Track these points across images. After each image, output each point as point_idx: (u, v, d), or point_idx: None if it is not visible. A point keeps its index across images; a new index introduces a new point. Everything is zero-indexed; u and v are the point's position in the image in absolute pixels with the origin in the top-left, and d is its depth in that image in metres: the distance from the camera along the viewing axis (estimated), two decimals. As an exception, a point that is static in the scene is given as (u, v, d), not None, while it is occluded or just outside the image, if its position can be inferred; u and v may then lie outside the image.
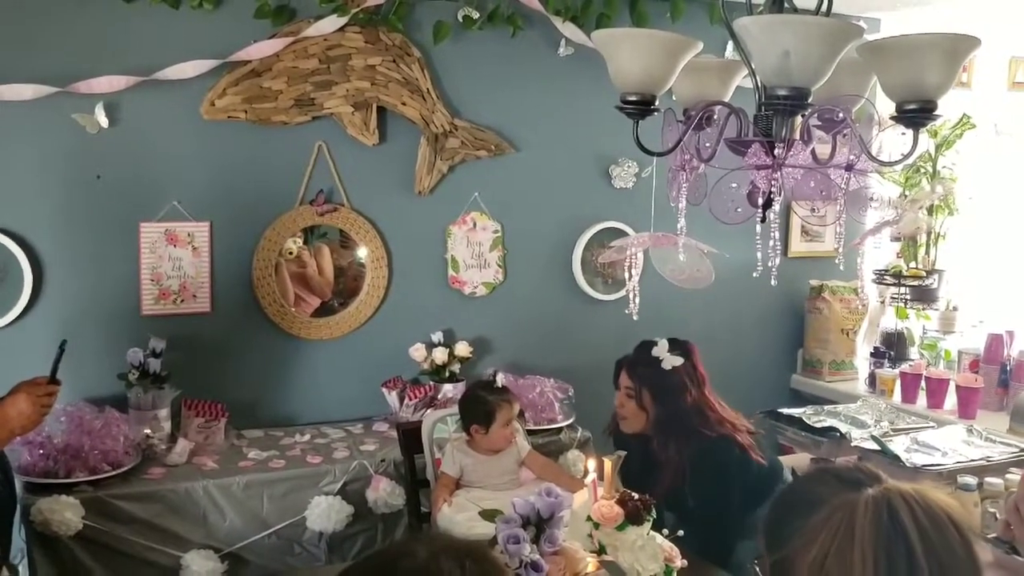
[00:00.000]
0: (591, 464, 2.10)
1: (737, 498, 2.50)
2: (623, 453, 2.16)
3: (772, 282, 1.94)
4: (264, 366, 3.44)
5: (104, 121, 3.09)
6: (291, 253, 3.42)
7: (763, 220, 1.83)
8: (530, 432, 3.10)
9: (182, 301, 3.26)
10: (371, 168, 3.48)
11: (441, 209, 3.62)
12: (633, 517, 1.99)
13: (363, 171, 3.48)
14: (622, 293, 3.85)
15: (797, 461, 3.04)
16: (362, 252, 3.53)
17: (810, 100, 1.70)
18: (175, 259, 3.24)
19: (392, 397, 3.48)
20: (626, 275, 2.49)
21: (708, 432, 2.56)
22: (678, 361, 2.61)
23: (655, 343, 2.66)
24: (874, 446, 2.72)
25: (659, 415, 2.62)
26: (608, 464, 2.07)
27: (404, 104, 3.46)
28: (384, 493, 2.97)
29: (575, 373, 3.64)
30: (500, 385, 2.76)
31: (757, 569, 1.24)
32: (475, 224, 3.67)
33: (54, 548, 2.63)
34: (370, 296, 3.54)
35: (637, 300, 2.38)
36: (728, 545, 2.44)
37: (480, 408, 2.68)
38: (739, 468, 2.53)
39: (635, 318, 2.39)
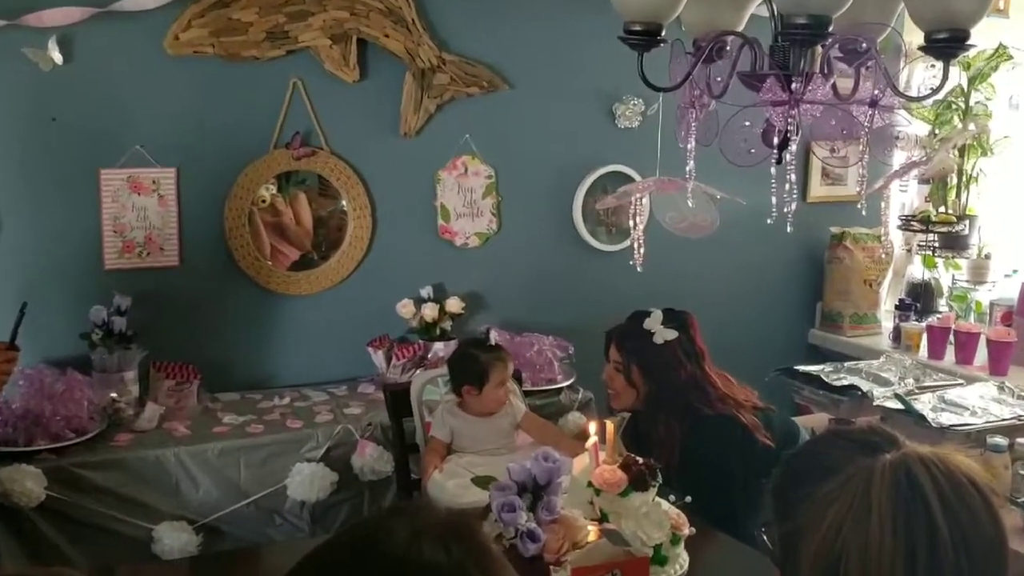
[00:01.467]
0: (592, 427, 2.11)
1: (738, 483, 2.51)
2: (627, 415, 2.18)
3: (788, 229, 1.93)
4: (239, 324, 3.44)
5: (58, 57, 3.05)
6: (264, 201, 3.40)
7: (779, 162, 1.81)
8: (527, 393, 3.11)
9: (148, 254, 3.25)
10: (352, 108, 3.45)
11: (429, 152, 3.59)
12: (637, 482, 2.00)
13: (343, 111, 3.44)
14: (627, 243, 3.85)
15: (815, 422, 3.06)
16: (343, 200, 3.51)
17: (830, 29, 1.68)
18: (139, 209, 3.22)
19: (378, 357, 3.49)
20: (631, 223, 2.49)
21: (705, 410, 2.57)
22: (671, 335, 2.61)
23: (648, 314, 2.66)
24: (898, 405, 2.74)
25: (650, 391, 2.63)
26: (610, 427, 2.08)
27: (387, 36, 3.41)
28: (371, 459, 2.98)
29: (576, 330, 3.64)
30: (493, 343, 2.77)
31: (764, 538, 1.25)
32: (466, 169, 3.65)
33: (15, 520, 2.65)
34: (353, 248, 3.53)
35: (642, 250, 2.37)
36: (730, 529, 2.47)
37: (472, 367, 2.69)
38: (740, 451, 2.53)
39: (640, 269, 2.39)
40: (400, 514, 0.93)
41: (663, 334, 2.61)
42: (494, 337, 2.83)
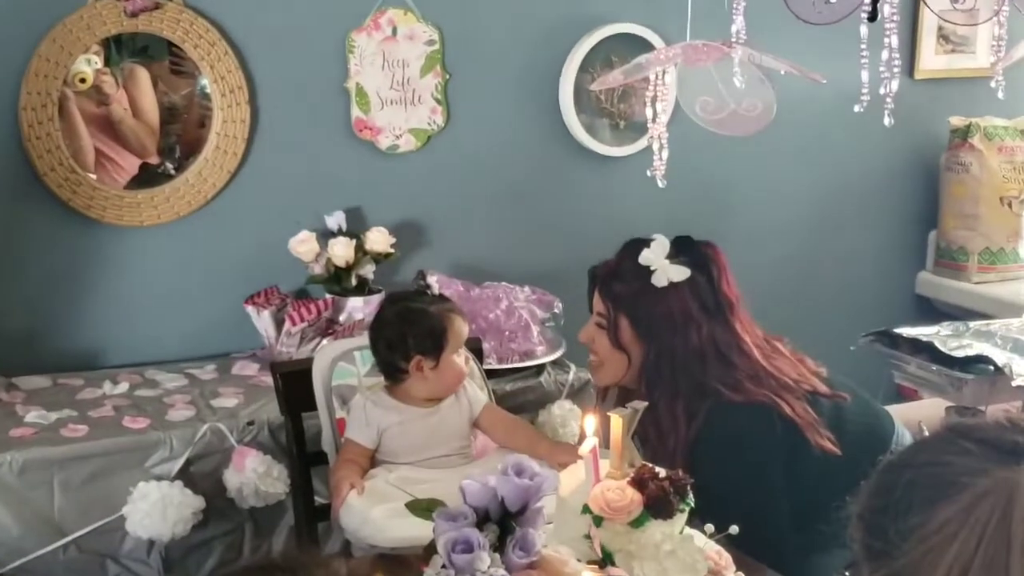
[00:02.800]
0: (589, 423, 2.12)
1: (777, 506, 2.52)
2: (641, 405, 2.18)
3: (886, 121, 1.93)
4: (47, 273, 3.43)
5: None
6: (83, 81, 3.36)
7: (872, 18, 1.81)
8: (491, 374, 3.11)
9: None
10: (216, -65, 3.43)
11: (336, 4, 3.58)
12: (658, 506, 2.00)
13: (203, -60, 3.41)
14: (641, 144, 3.83)
15: (923, 413, 3.08)
16: (205, 80, 3.48)
17: None
18: None
19: (263, 320, 3.50)
20: (647, 113, 2.48)
21: (727, 394, 2.57)
22: (680, 273, 2.59)
23: (647, 242, 2.65)
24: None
25: (646, 360, 2.65)
26: (617, 422, 2.09)
27: None
28: (253, 475, 2.98)
29: (564, 278, 3.62)
30: (435, 292, 2.76)
31: (850, 585, 1.26)
32: (395, 30, 3.64)
33: None
34: (221, 154, 3.51)
35: (665, 155, 2.37)
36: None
37: (421, 325, 2.67)
38: (780, 458, 2.54)
39: (661, 184, 2.38)
40: (301, 563, 0.90)
41: (667, 272, 2.60)
42: (435, 285, 2.81)
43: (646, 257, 2.62)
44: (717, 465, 2.50)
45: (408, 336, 2.66)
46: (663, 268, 2.61)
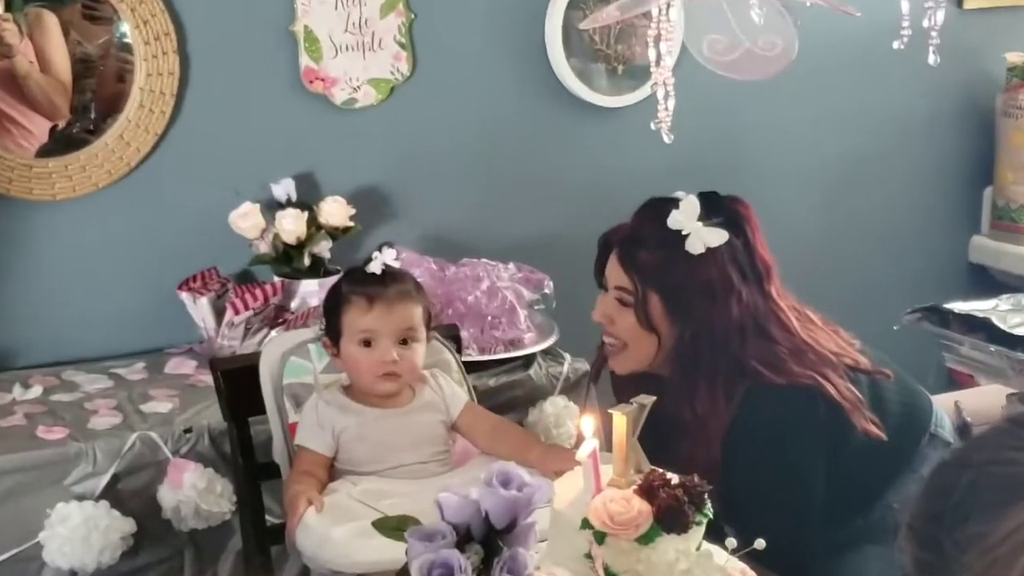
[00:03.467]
0: (588, 423, 2.12)
1: (811, 501, 2.55)
2: (649, 400, 2.18)
3: (931, 59, 1.92)
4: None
5: None
6: (-19, 30, 3.35)
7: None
8: (471, 367, 3.12)
9: None
10: None
11: (280, -67, 3.58)
12: (670, 518, 2.00)
13: None
14: (644, 92, 3.86)
15: (979, 402, 3.10)
16: (125, 26, 3.48)
17: None
18: None
19: (200, 309, 3.50)
20: (649, 56, 2.48)
21: (767, 373, 2.58)
22: (718, 238, 2.60)
23: (674, 202, 2.65)
24: None
25: (682, 339, 2.65)
26: (621, 421, 2.09)
27: None
28: (193, 492, 2.99)
29: (556, 251, 3.67)
30: (385, 266, 2.75)
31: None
32: (349, -38, 3.64)
33: None
34: (146, 113, 3.51)
35: (671, 104, 2.36)
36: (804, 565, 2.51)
37: (326, 301, 2.74)
38: (822, 445, 2.57)
39: (668, 138, 2.37)
40: None
41: (703, 236, 2.60)
42: (390, 259, 2.79)
43: (676, 220, 2.60)
44: (753, 454, 2.54)
45: (324, 311, 2.75)
46: (697, 232, 2.59)
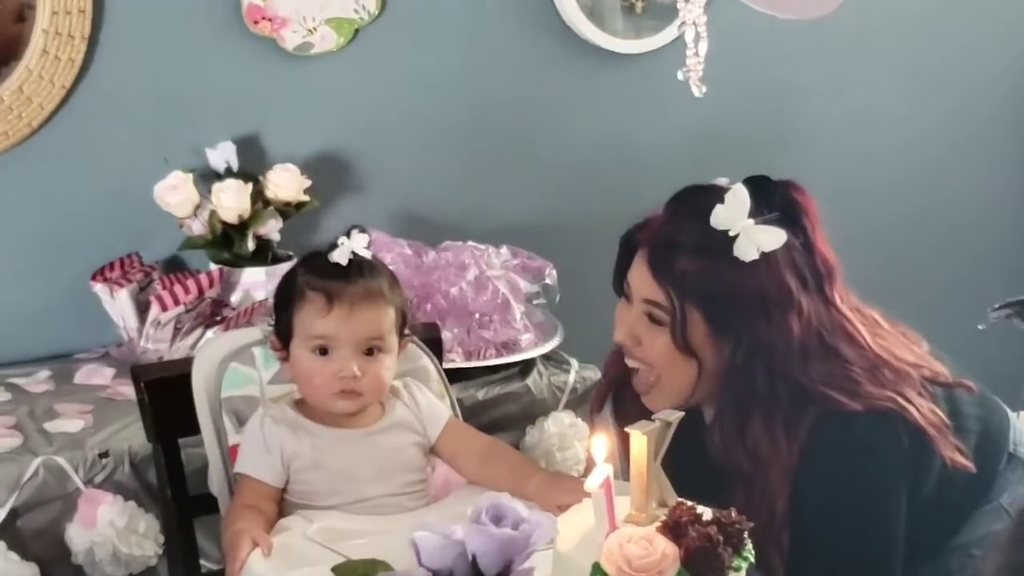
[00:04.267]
0: (598, 444, 2.10)
1: (900, 547, 2.56)
2: (676, 416, 2.17)
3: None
4: None
5: None
6: None
7: None
8: (454, 376, 3.12)
9: None
10: None
11: None
12: (701, 562, 1.99)
13: None
14: (669, 35, 3.86)
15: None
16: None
17: None
18: None
19: (119, 304, 3.49)
20: (676, -8, 2.47)
21: (839, 399, 2.58)
22: (774, 239, 2.60)
23: (718, 192, 2.65)
24: None
25: (731, 365, 2.64)
26: (640, 442, 2.08)
27: None
28: (111, 530, 3.00)
29: (560, 232, 3.69)
30: (352, 255, 2.73)
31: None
32: None
33: None
34: (50, 61, 3.51)
35: (703, 48, 2.35)
36: None
37: (277, 292, 2.73)
38: (893, 482, 2.57)
39: (698, 92, 2.36)
40: None
41: (755, 238, 2.58)
42: (360, 247, 2.78)
43: (722, 218, 2.57)
44: (828, 500, 2.54)
45: (274, 302, 2.75)
46: (748, 232, 2.55)
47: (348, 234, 2.76)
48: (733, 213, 2.54)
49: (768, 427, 2.56)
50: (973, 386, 2.72)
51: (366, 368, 2.65)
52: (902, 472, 2.56)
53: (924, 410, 2.56)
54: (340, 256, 2.69)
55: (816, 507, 2.52)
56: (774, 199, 2.62)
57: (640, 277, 2.63)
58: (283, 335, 2.70)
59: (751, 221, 2.55)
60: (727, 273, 2.55)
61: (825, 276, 2.63)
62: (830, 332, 2.60)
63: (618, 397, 2.83)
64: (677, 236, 2.60)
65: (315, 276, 2.69)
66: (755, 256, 2.54)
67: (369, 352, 2.66)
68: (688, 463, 2.45)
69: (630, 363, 2.69)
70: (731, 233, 2.55)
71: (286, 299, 2.71)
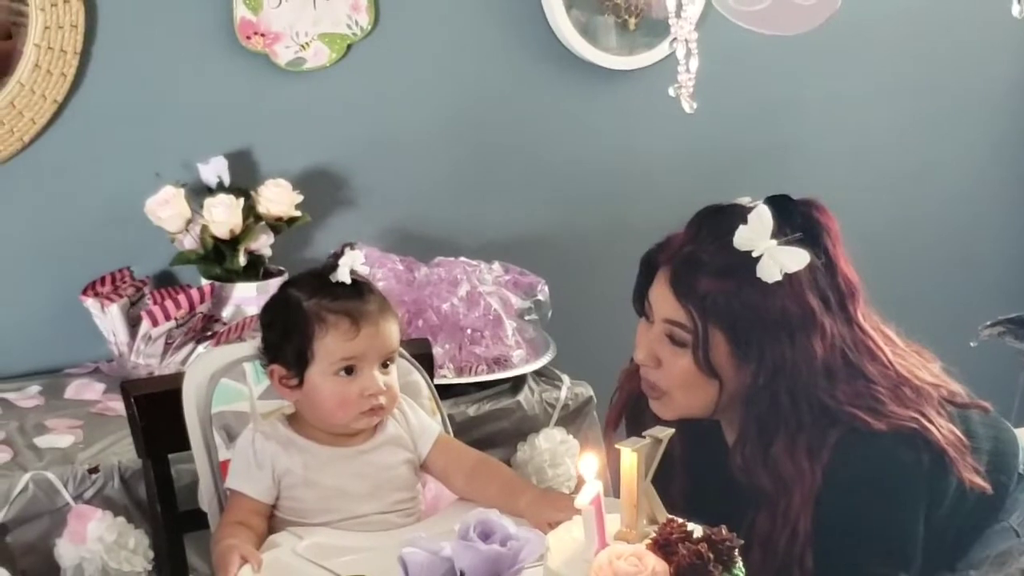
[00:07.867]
0: (588, 463, 2.11)
1: (915, 552, 2.56)
2: (666, 433, 2.17)
3: (1015, 10, 1.91)
4: None
5: None
6: None
7: None
8: (446, 392, 3.13)
9: None
10: None
11: None
12: (692, 579, 2.01)
13: None
14: (662, 51, 3.87)
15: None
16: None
17: None
18: None
19: (110, 319, 3.50)
20: (668, 3, 2.48)
21: (868, 419, 2.58)
22: (798, 260, 2.59)
23: (741, 212, 2.65)
24: None
25: (754, 386, 2.64)
26: (631, 458, 2.09)
27: None
28: (100, 546, 2.99)
29: (552, 247, 3.69)
30: (351, 277, 2.73)
31: None
32: None
33: None
34: (43, 76, 3.51)
35: (694, 64, 2.36)
36: None
37: (283, 322, 2.69)
38: (914, 503, 2.57)
39: (689, 108, 2.37)
40: None
41: (779, 259, 2.57)
42: (359, 264, 2.77)
43: (746, 239, 2.58)
44: (852, 520, 2.54)
45: (270, 333, 2.71)
46: (772, 253, 2.56)
47: (341, 252, 2.76)
48: (756, 234, 2.55)
49: (791, 449, 2.57)
50: (988, 407, 2.73)
51: (387, 381, 2.67)
52: (922, 492, 2.57)
53: (944, 430, 2.57)
54: (343, 275, 2.69)
55: (838, 527, 2.53)
56: (795, 218, 2.62)
57: (662, 297, 2.64)
58: (295, 365, 2.70)
59: (774, 242, 2.55)
60: (750, 294, 2.56)
61: (848, 296, 2.64)
62: (854, 351, 2.61)
63: (633, 414, 2.83)
64: (699, 256, 2.60)
65: (327, 299, 2.66)
66: (778, 277, 2.54)
67: (384, 365, 2.68)
68: (709, 482, 2.47)
69: (649, 384, 2.70)
70: (754, 254, 2.55)
71: (295, 329, 2.67)
